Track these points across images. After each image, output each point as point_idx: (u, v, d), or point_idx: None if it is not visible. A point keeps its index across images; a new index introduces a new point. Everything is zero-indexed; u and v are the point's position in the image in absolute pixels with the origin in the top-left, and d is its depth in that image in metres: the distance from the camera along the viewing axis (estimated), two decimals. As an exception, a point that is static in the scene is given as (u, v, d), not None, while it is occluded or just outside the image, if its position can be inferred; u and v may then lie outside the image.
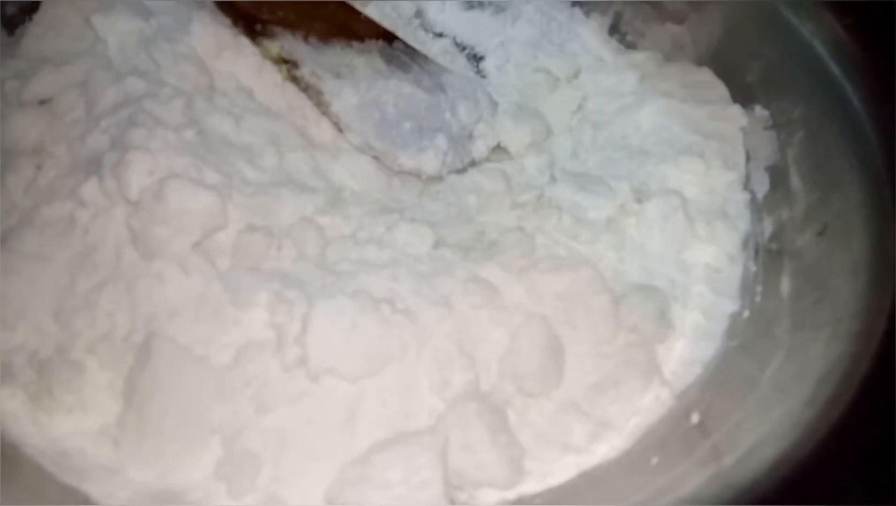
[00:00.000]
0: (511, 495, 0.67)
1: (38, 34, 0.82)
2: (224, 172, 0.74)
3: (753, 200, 0.84)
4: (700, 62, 0.93)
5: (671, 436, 0.70)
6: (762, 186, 0.84)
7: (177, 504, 0.62)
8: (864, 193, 0.72)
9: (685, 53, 0.95)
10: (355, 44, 0.86)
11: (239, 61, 0.81)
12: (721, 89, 0.91)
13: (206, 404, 0.65)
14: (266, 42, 0.82)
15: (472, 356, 0.70)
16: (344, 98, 0.82)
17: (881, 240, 0.67)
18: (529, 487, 0.68)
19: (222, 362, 0.67)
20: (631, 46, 0.98)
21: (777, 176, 0.83)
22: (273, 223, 0.74)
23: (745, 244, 0.82)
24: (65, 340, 0.67)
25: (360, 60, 0.85)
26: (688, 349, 0.76)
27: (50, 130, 0.76)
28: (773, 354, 0.71)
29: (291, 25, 0.83)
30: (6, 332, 0.67)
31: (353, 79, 0.84)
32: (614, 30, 0.99)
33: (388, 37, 0.89)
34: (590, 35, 1.01)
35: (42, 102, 0.78)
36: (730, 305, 0.78)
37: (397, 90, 0.85)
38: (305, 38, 0.84)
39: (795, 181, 0.80)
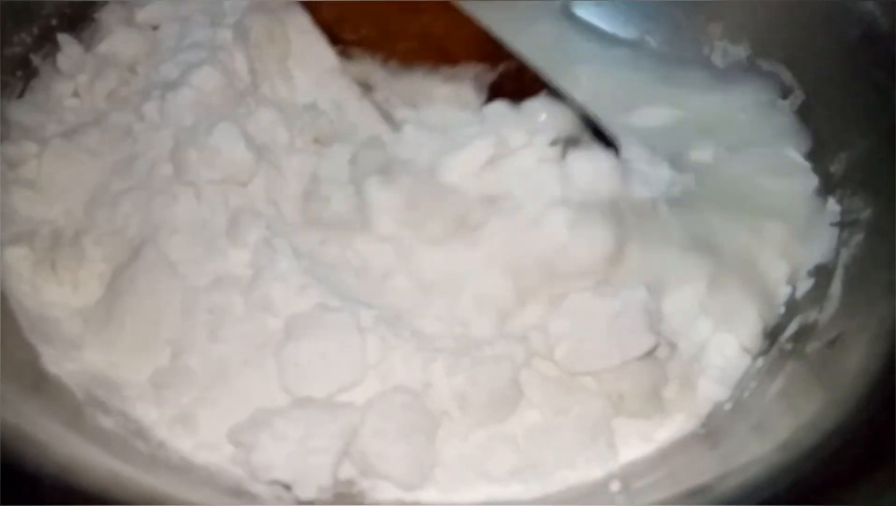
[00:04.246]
0: (409, 497, 0.66)
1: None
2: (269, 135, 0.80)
3: (792, 296, 0.77)
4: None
5: (593, 497, 0.66)
6: (806, 283, 0.76)
7: (109, 393, 0.68)
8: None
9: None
10: (444, 69, 0.78)
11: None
12: (812, 184, 0.83)
13: (168, 316, 0.70)
14: (344, 62, 0.82)
15: (430, 367, 0.70)
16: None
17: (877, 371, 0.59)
18: (430, 495, 0.66)
19: (196, 285, 0.72)
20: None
21: (822, 276, 0.75)
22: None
23: (763, 339, 0.74)
24: (83, 227, 0.75)
25: (444, 90, 0.79)
26: (652, 427, 0.70)
27: (145, 52, 0.86)
28: (733, 454, 0.64)
29: (372, 46, 0.79)
30: (44, 206, 0.77)
31: (424, 112, 0.79)
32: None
33: (494, 58, 0.77)
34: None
35: (155, 28, 0.89)
36: (719, 394, 0.72)
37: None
38: (384, 62, 0.79)
39: (836, 286, 0.72)
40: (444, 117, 0.79)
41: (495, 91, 0.80)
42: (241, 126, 0.78)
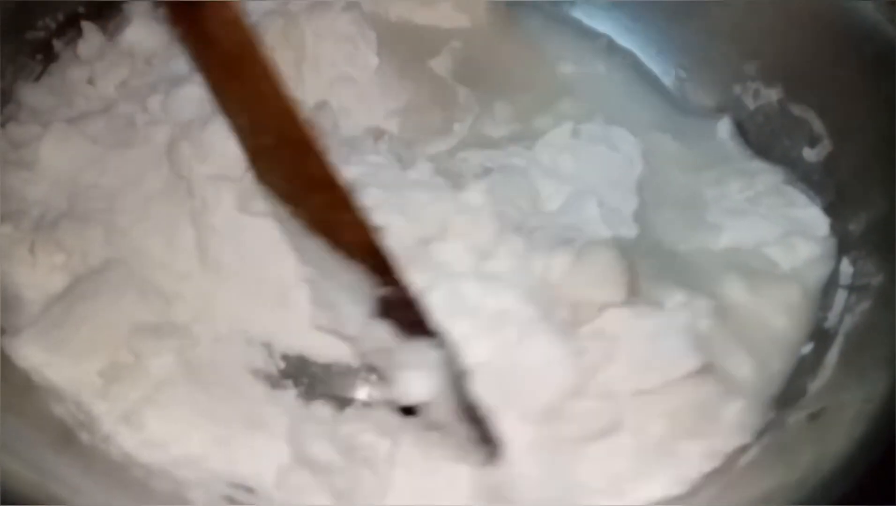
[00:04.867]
0: None
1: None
2: None
3: (790, 360, 0.71)
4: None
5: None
6: (805, 347, 0.71)
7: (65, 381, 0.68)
8: (881, 398, 0.58)
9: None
10: (341, 256, 0.64)
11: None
12: (829, 242, 0.77)
13: (121, 326, 0.69)
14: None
15: None
16: None
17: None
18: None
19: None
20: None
21: (821, 341, 0.69)
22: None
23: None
24: (68, 213, 0.76)
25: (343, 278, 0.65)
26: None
27: (163, 45, 0.86)
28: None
29: (283, 196, 0.69)
30: (39, 188, 0.78)
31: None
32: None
33: (381, 274, 0.63)
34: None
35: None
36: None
37: None
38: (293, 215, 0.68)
39: (833, 354, 0.67)
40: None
41: (384, 306, 0.64)
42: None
